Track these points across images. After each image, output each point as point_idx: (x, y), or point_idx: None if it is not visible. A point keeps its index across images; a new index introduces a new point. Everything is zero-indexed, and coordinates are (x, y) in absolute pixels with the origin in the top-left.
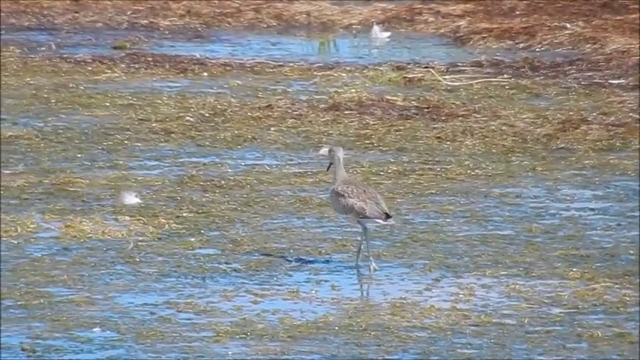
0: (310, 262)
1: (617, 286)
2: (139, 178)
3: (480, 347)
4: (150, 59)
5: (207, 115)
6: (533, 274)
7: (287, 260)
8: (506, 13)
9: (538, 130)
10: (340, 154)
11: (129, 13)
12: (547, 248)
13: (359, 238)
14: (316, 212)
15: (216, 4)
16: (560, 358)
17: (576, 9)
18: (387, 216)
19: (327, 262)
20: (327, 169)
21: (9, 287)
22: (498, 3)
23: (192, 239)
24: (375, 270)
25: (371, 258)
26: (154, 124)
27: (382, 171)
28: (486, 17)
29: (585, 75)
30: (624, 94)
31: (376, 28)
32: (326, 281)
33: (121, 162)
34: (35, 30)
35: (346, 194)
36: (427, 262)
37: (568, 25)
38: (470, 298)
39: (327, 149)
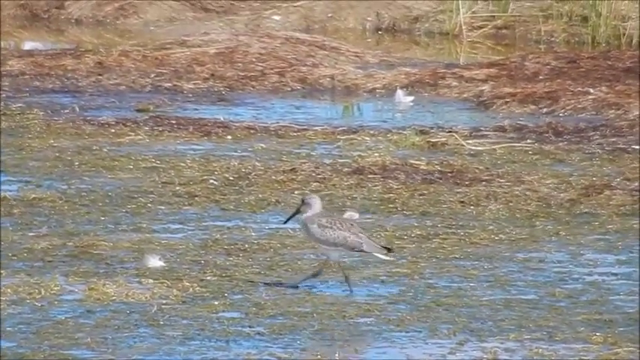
0: (334, 325)
1: None
2: (163, 242)
3: None
4: (173, 122)
5: (231, 178)
6: (557, 339)
7: (310, 324)
8: (529, 77)
9: (562, 195)
10: (313, 201)
11: (152, 75)
12: (570, 313)
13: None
14: (340, 276)
15: (240, 67)
16: None
17: (599, 74)
18: (388, 250)
19: (351, 325)
20: (286, 221)
21: (33, 350)
22: (521, 67)
23: (216, 302)
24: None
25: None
26: (177, 188)
27: (406, 235)
28: (510, 82)
29: (609, 140)
30: None
31: (400, 92)
32: (349, 345)
33: (144, 225)
34: (59, 92)
35: (334, 226)
36: (451, 326)
37: (591, 90)
38: None
39: (350, 213)
